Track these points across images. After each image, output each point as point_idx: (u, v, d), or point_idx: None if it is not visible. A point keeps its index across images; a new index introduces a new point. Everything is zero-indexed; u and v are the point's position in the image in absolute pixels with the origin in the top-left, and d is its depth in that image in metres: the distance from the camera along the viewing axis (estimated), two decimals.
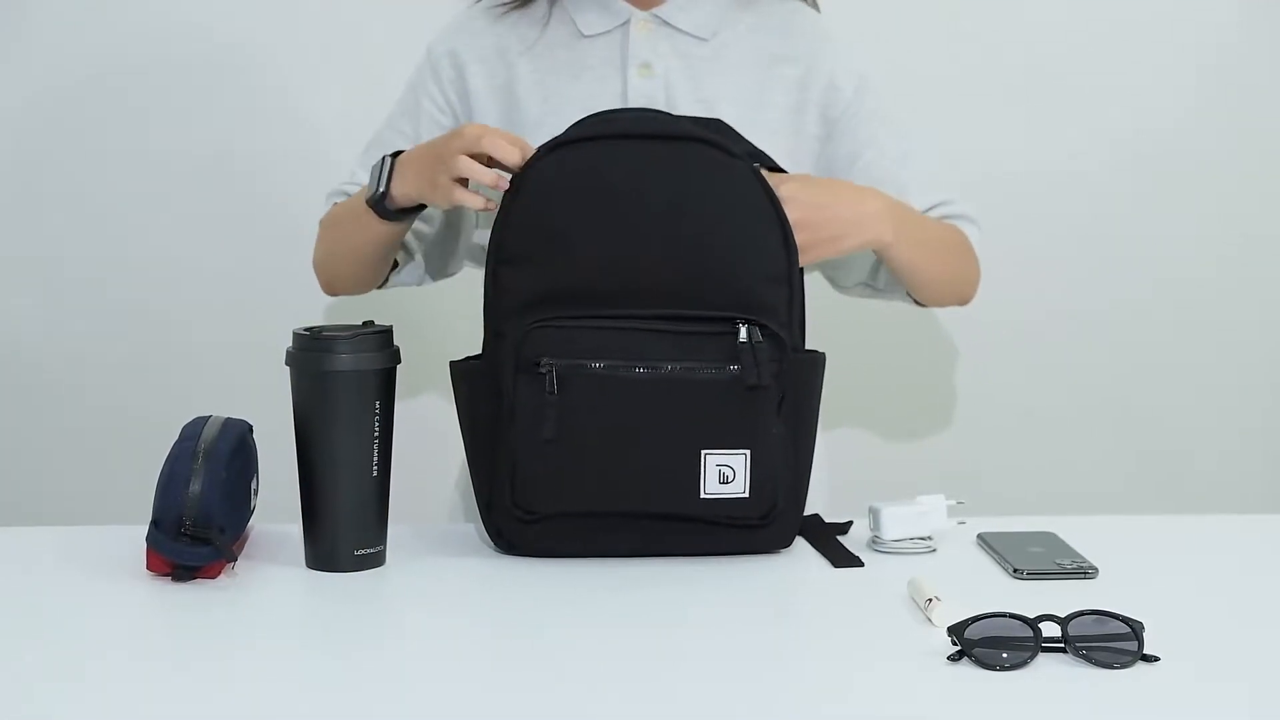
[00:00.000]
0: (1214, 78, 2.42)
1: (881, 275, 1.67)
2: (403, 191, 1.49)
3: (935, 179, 1.68)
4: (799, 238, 1.41)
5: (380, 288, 1.71)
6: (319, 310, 2.39)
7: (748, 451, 1.36)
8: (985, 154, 2.39)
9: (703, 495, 1.37)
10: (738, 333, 1.36)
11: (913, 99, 2.34)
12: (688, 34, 1.64)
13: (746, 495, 1.37)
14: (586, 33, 1.64)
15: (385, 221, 1.53)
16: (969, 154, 2.38)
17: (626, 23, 1.64)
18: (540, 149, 1.40)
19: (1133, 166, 2.43)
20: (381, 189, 1.50)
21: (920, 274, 1.60)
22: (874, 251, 1.57)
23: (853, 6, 1.79)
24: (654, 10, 1.64)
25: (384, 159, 1.51)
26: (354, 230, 1.59)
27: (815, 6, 1.73)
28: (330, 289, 1.73)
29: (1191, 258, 2.46)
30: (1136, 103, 2.42)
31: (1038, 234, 2.44)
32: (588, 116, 1.45)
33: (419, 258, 1.70)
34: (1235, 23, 2.41)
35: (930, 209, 1.65)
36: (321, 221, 1.69)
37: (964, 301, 1.72)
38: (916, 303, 1.68)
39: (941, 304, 1.70)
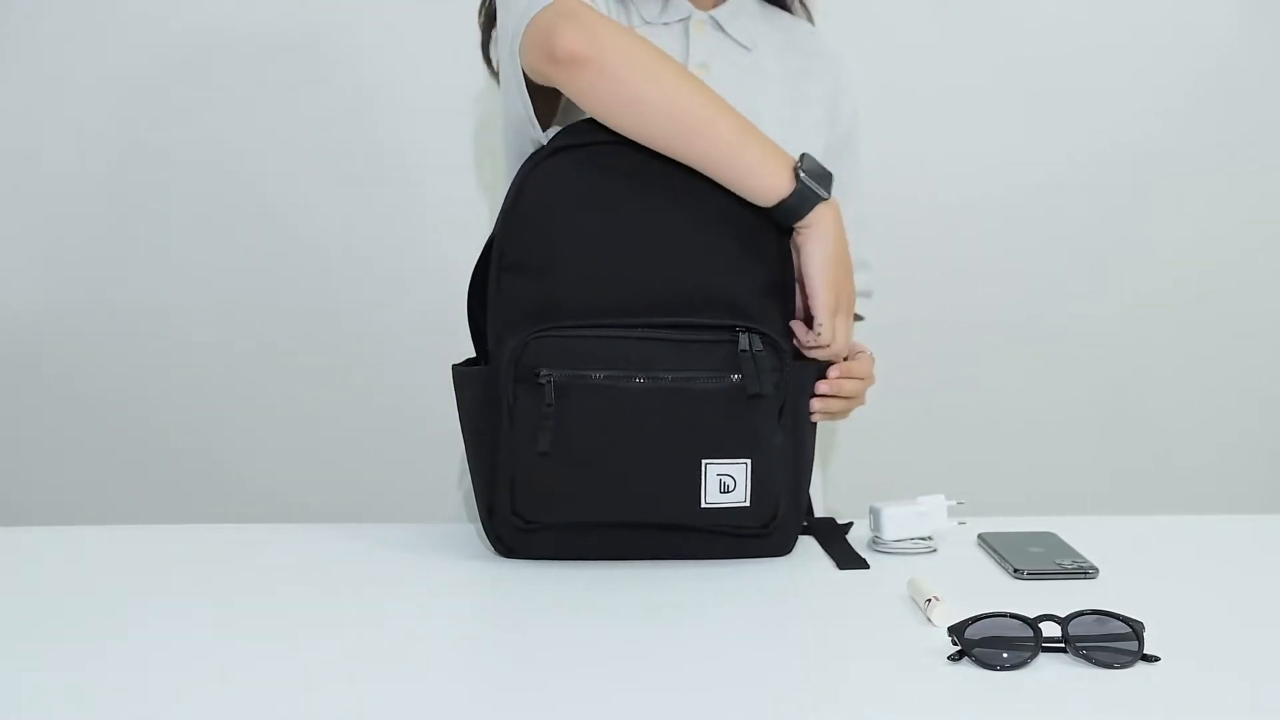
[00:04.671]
0: (1212, 80, 2.42)
1: None
2: (812, 243, 1.39)
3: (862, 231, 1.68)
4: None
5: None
6: (321, 311, 2.40)
7: (748, 461, 1.36)
8: (984, 156, 2.39)
9: (703, 505, 1.36)
10: (738, 341, 1.36)
11: (912, 101, 2.35)
12: (736, 41, 1.65)
13: (748, 504, 1.37)
14: (647, 19, 1.64)
15: (770, 203, 1.38)
16: (968, 155, 2.38)
17: (686, 19, 1.64)
18: (538, 151, 1.40)
19: (1132, 169, 2.44)
20: (809, 207, 1.38)
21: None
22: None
23: (854, 8, 1.79)
24: (710, 12, 1.65)
25: (830, 176, 1.40)
26: (723, 139, 1.38)
27: (811, 22, 1.74)
28: (593, 95, 1.38)
29: (1192, 259, 2.46)
30: (1133, 105, 2.42)
31: (1037, 235, 2.44)
32: (584, 120, 1.44)
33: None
34: (1233, 25, 2.41)
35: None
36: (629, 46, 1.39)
37: None
38: None
39: None
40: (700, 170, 1.39)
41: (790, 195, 1.37)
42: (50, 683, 1.11)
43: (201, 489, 2.40)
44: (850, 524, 1.53)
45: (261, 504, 2.40)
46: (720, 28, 1.65)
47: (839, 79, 1.70)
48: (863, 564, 1.42)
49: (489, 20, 1.61)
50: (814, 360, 1.43)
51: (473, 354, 1.50)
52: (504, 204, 1.40)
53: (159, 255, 2.35)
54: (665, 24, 1.64)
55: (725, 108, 1.40)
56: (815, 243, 1.39)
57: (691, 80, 1.39)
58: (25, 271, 2.35)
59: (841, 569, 1.41)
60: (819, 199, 1.38)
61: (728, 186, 1.39)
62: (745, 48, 1.65)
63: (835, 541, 1.47)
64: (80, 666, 1.15)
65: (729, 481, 1.36)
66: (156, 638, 1.22)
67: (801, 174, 1.37)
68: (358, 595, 1.33)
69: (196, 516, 2.35)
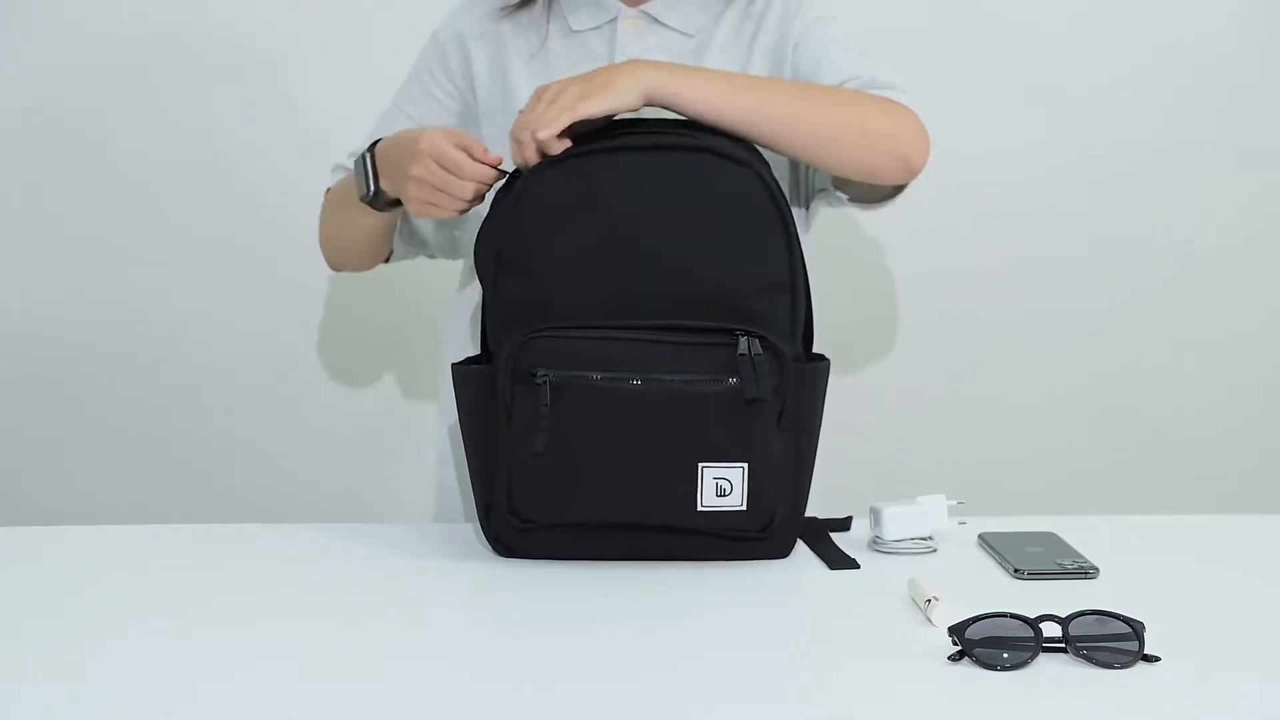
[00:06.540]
0: (1213, 76, 2.42)
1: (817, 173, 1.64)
2: (388, 184, 1.54)
3: (858, 64, 1.59)
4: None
5: (386, 262, 1.75)
6: (319, 311, 2.40)
7: (745, 465, 1.35)
8: (986, 154, 2.39)
9: (700, 508, 1.35)
10: (737, 344, 1.35)
11: (915, 97, 2.34)
12: (673, 30, 1.64)
13: (744, 508, 1.36)
14: (575, 28, 1.65)
15: (379, 213, 1.59)
16: (970, 154, 2.38)
17: (615, 19, 1.65)
18: (543, 161, 1.39)
19: (1133, 166, 2.43)
20: (372, 188, 1.55)
21: (762, 122, 1.46)
22: (665, 106, 1.45)
23: (858, 7, 1.79)
24: (641, 8, 1.65)
25: (363, 155, 1.56)
26: (351, 216, 1.63)
27: None
28: (335, 266, 1.78)
29: (1192, 257, 2.46)
30: (1135, 103, 2.42)
31: (1038, 233, 2.44)
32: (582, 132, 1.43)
33: (425, 234, 1.73)
34: (1235, 23, 2.41)
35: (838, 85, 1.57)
36: (325, 198, 1.73)
37: (906, 167, 1.54)
38: (864, 201, 1.61)
39: (871, 171, 1.54)
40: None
41: (375, 196, 1.55)
42: (49, 682, 1.11)
43: (200, 489, 2.40)
44: (849, 519, 1.53)
45: (260, 504, 2.39)
46: (655, 20, 1.64)
47: (787, 17, 1.63)
48: (852, 564, 1.41)
49: None
50: (818, 362, 1.43)
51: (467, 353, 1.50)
52: (504, 206, 1.40)
53: (156, 256, 2.35)
54: (595, 28, 1.65)
55: (336, 195, 1.68)
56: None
57: (336, 198, 1.69)
58: (25, 272, 2.35)
59: (833, 569, 1.40)
60: (362, 160, 1.55)
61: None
62: (687, 35, 1.64)
63: (823, 542, 1.47)
64: (79, 666, 1.15)
65: (725, 485, 1.35)
66: (155, 637, 1.22)
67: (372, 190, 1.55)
68: (356, 595, 1.33)
69: (194, 516, 2.35)
